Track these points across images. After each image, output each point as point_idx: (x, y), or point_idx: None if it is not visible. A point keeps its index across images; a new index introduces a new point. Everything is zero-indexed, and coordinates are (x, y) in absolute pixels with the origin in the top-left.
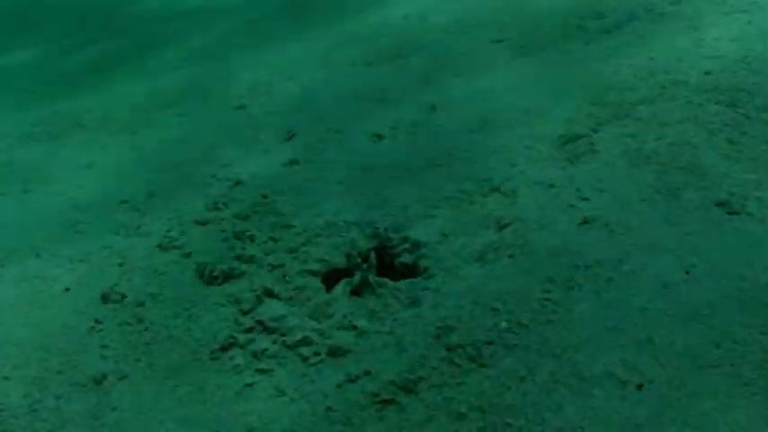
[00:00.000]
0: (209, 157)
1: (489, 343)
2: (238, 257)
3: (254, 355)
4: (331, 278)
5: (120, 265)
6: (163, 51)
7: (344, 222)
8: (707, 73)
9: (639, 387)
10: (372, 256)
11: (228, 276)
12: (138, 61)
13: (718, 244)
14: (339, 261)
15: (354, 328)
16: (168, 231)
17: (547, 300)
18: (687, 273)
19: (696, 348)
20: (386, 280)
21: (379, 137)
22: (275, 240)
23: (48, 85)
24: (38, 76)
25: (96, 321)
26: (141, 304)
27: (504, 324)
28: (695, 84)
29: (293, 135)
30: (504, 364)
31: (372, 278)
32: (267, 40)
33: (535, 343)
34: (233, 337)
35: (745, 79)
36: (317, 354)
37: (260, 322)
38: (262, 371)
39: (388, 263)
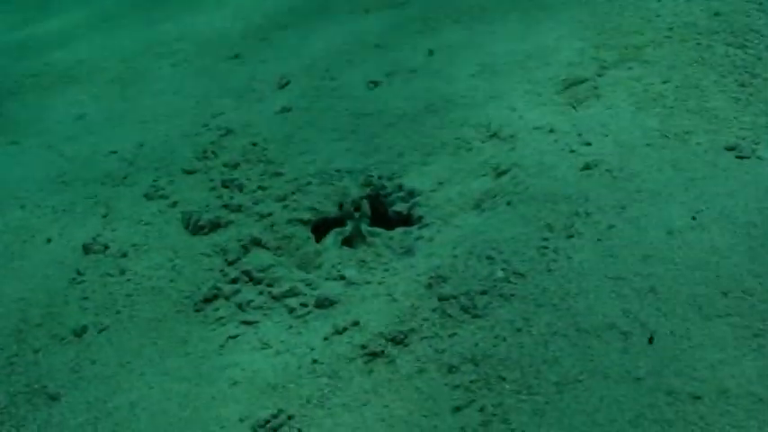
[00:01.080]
0: (202, 106)
1: (484, 293)
2: (226, 206)
3: (240, 306)
4: (321, 228)
5: (105, 215)
6: None
7: (336, 170)
8: (717, 14)
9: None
10: (365, 204)
11: (215, 226)
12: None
13: (727, 189)
14: (330, 210)
15: (343, 278)
16: (155, 181)
17: (545, 248)
18: (693, 219)
19: (702, 298)
20: (379, 229)
21: (375, 83)
22: (264, 189)
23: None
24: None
25: (78, 273)
26: (124, 255)
27: (500, 273)
28: (704, 25)
29: (287, 83)
30: (499, 314)
31: (365, 228)
32: None
33: (532, 293)
34: (218, 288)
35: (757, 20)
36: (304, 305)
37: (246, 272)
38: (247, 323)
39: (382, 212)
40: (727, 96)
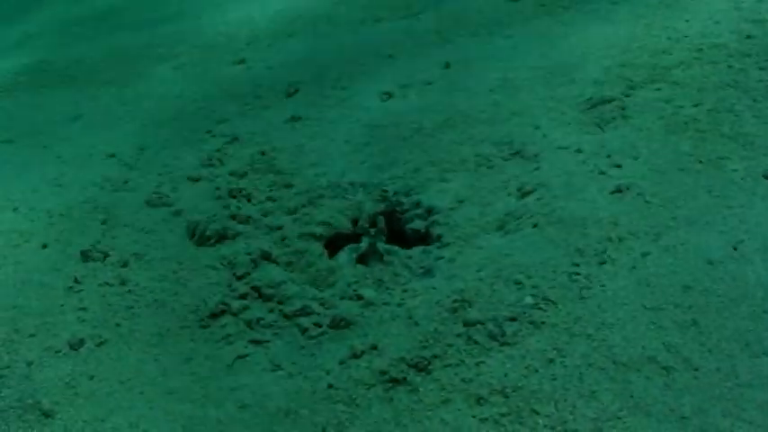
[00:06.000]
0: (206, 112)
1: (512, 319)
2: (233, 217)
3: (248, 324)
4: (334, 244)
5: (104, 222)
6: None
7: (350, 184)
8: (748, 37)
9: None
10: (381, 220)
11: (222, 237)
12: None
13: None
14: (344, 225)
15: (360, 298)
16: (158, 187)
17: (577, 274)
18: (735, 249)
19: (748, 333)
20: (395, 247)
21: (389, 95)
22: (273, 200)
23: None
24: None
25: (75, 281)
26: (125, 264)
27: (529, 299)
28: (736, 48)
29: (296, 91)
30: (530, 343)
31: (381, 245)
32: None
33: (565, 321)
34: (225, 304)
35: None
36: (317, 325)
37: (255, 288)
38: (256, 342)
39: (397, 229)
40: (763, 122)
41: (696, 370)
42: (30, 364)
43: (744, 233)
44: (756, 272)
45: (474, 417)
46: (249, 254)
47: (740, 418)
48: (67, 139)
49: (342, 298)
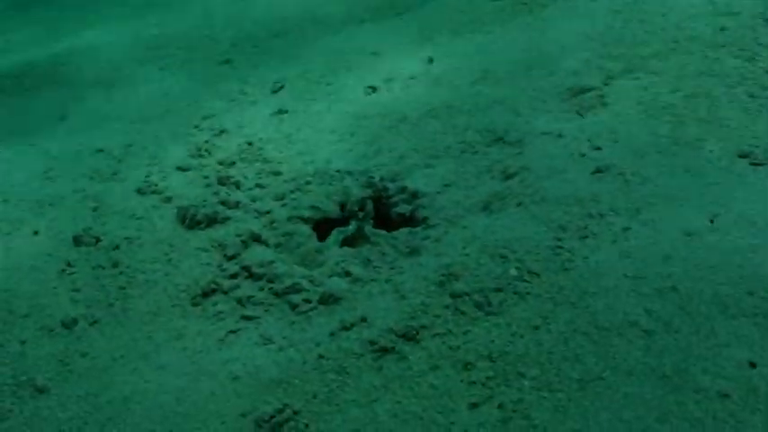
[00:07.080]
0: (192, 108)
1: (498, 290)
2: (223, 203)
3: (239, 301)
4: (322, 228)
5: (95, 209)
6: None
7: (337, 171)
8: (722, 29)
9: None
10: (369, 204)
11: (212, 221)
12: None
13: (743, 194)
14: (332, 210)
15: (348, 274)
16: (147, 177)
17: (560, 248)
18: (711, 222)
19: (726, 297)
20: (382, 231)
21: (374, 89)
22: (262, 187)
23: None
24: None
25: (68, 264)
26: (116, 248)
27: (513, 271)
28: (710, 39)
29: (281, 87)
30: (515, 312)
31: (369, 228)
32: None
33: (549, 291)
34: (216, 283)
35: (764, 35)
36: (307, 301)
37: (246, 268)
38: (247, 318)
39: (383, 213)
40: (738, 106)
41: (676, 332)
42: (23, 342)
43: (720, 207)
44: (733, 241)
45: (462, 381)
46: (239, 236)
47: (719, 375)
48: (55, 137)
49: (330, 275)
